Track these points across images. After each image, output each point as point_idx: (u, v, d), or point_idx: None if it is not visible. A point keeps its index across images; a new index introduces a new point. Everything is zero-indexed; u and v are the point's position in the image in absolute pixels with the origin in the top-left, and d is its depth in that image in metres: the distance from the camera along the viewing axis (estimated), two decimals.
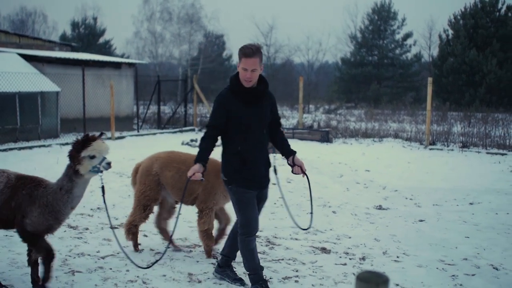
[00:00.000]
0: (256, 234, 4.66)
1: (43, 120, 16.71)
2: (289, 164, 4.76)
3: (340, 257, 6.08)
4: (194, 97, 21.06)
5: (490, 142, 15.86)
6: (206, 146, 4.57)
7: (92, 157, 4.41)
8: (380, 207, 8.53)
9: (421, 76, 44.25)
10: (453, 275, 5.49)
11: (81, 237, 6.57)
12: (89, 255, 5.90)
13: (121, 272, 5.43)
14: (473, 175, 11.49)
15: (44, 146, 14.85)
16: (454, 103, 33.09)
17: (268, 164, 4.76)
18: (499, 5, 35.41)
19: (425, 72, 43.79)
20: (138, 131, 19.21)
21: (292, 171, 4.73)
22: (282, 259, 5.93)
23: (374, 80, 43.04)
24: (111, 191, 9.31)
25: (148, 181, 5.86)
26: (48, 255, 4.61)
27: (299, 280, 5.33)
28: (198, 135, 18.75)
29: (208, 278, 5.29)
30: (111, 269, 5.51)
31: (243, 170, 4.58)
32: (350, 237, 6.89)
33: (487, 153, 14.62)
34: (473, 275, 5.52)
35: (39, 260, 4.72)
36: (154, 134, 18.96)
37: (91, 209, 8.06)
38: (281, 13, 75.97)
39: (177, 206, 6.08)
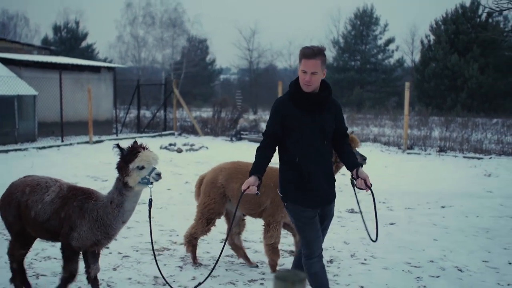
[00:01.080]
0: (320, 256, 4.21)
1: (20, 123, 16.55)
2: (352, 178, 4.22)
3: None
4: (174, 101, 21.02)
5: (468, 147, 16.01)
6: (261, 156, 4.12)
7: (141, 168, 4.17)
8: (352, 211, 8.57)
9: (403, 81, 44.55)
10: (418, 277, 5.54)
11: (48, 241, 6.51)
12: (55, 258, 5.87)
13: (85, 275, 5.39)
14: (448, 179, 11.59)
15: (20, 150, 14.70)
16: (436, 108, 33.52)
17: (331, 178, 4.25)
18: (480, 11, 35.86)
19: (408, 77, 44.17)
20: (116, 135, 19.12)
21: (356, 185, 4.19)
22: (248, 263, 5.93)
23: (357, 85, 43.30)
24: None
25: (212, 193, 5.64)
26: (70, 277, 4.46)
27: (264, 283, 5.35)
28: (178, 139, 18.72)
29: (174, 281, 5.28)
30: None
31: (300, 185, 4.12)
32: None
33: (464, 157, 14.76)
34: (438, 276, 5.57)
35: (61, 275, 4.54)
36: (133, 138, 18.80)
37: None
38: (263, 18, 76.45)
39: (245, 218, 5.96)
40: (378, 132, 21.39)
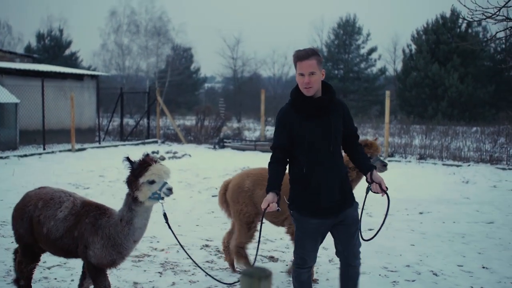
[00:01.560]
0: (309, 269, 4.14)
1: (1, 131, 16.48)
2: (367, 181, 4.05)
3: (287, 265, 6.18)
4: (157, 109, 21.06)
5: (448, 154, 16.26)
6: (273, 171, 3.97)
7: (152, 182, 3.96)
8: None
9: (385, 89, 45.03)
10: (394, 281, 5.66)
11: None
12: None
13: (65, 281, 5.44)
14: (427, 185, 11.78)
15: (1, 158, 14.62)
16: (417, 116, 33.91)
17: (343, 185, 4.01)
18: (460, 21, 36.43)
19: (390, 85, 44.65)
20: (99, 143, 19.07)
21: (371, 189, 4.03)
22: (229, 268, 6.00)
23: (340, 94, 43.57)
24: None
25: (241, 198, 5.58)
26: None
27: None
28: (161, 147, 18.74)
29: (153, 287, 5.33)
30: (55, 279, 5.51)
31: (305, 195, 3.96)
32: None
33: (443, 164, 15.00)
34: (413, 281, 5.69)
35: None
36: (116, 146, 18.86)
37: None
38: (248, 27, 76.80)
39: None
40: (360, 141, 21.51)
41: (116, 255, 4.17)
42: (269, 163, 4.03)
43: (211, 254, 6.52)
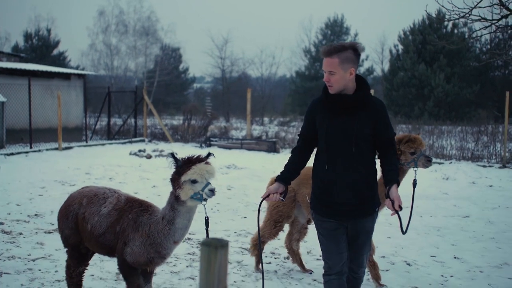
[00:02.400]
0: (340, 273, 3.87)
1: None
2: (385, 194, 3.79)
3: (266, 256, 6.38)
4: (144, 108, 21.19)
5: (431, 152, 16.53)
6: (290, 161, 3.93)
7: (194, 181, 3.82)
8: None
9: (372, 89, 45.44)
10: (368, 271, 5.85)
11: (13, 242, 6.66)
12: (19, 258, 6.02)
13: (49, 273, 5.58)
14: (408, 182, 11.97)
15: None
16: (404, 116, 34.27)
17: (362, 190, 3.77)
18: (446, 22, 36.84)
19: (378, 85, 45.01)
20: (86, 142, 19.16)
21: (386, 204, 3.79)
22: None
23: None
24: (50, 198, 9.41)
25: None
26: None
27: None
28: (148, 146, 18.86)
29: None
30: (40, 270, 5.65)
31: (320, 195, 3.85)
32: (279, 239, 7.19)
33: None
34: (387, 270, 5.91)
35: None
36: (103, 144, 18.95)
37: (28, 216, 8.10)
38: (236, 26, 76.88)
39: (309, 226, 5.86)
40: None
41: (154, 254, 4.07)
42: (292, 150, 4.01)
43: (192, 247, 6.70)
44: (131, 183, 11.13)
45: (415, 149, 5.11)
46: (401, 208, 3.71)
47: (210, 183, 3.85)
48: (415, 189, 5.10)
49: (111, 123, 22.21)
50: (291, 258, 5.98)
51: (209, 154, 4.00)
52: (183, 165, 3.88)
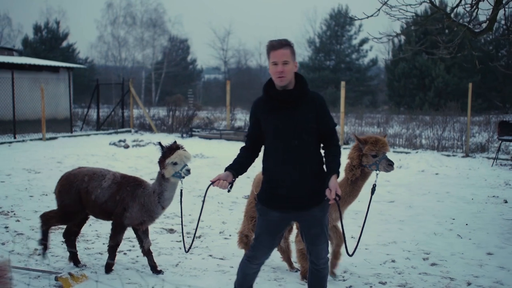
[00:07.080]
0: (261, 264, 4.12)
1: None
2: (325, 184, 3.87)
3: (180, 235, 6.87)
4: (130, 100, 21.84)
5: (403, 142, 16.84)
6: (239, 155, 4.07)
7: (175, 163, 4.96)
8: None
9: (376, 80, 45.54)
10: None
11: None
12: None
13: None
14: (370, 186, 12.40)
15: None
16: (406, 106, 34.44)
17: (310, 182, 3.89)
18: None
19: (382, 76, 45.11)
20: (71, 132, 19.88)
21: (326, 193, 3.82)
22: (128, 238, 6.56)
23: (332, 84, 44.14)
24: (11, 184, 10.05)
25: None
26: (117, 245, 5.38)
27: (129, 253, 6.17)
28: (134, 136, 19.49)
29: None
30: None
31: (267, 187, 3.99)
32: (203, 221, 7.67)
33: (394, 151, 15.63)
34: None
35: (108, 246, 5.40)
36: (88, 135, 19.67)
37: None
38: (238, 18, 76.80)
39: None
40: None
41: (147, 217, 5.31)
42: (240, 148, 4.13)
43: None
44: None
45: (376, 152, 4.91)
46: (339, 196, 3.77)
47: (187, 165, 5.00)
48: (373, 195, 4.91)
49: (100, 114, 22.87)
50: (280, 256, 5.94)
51: (175, 142, 5.14)
52: (167, 151, 5.03)
